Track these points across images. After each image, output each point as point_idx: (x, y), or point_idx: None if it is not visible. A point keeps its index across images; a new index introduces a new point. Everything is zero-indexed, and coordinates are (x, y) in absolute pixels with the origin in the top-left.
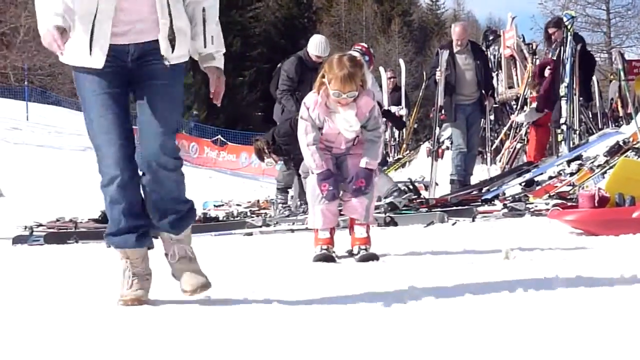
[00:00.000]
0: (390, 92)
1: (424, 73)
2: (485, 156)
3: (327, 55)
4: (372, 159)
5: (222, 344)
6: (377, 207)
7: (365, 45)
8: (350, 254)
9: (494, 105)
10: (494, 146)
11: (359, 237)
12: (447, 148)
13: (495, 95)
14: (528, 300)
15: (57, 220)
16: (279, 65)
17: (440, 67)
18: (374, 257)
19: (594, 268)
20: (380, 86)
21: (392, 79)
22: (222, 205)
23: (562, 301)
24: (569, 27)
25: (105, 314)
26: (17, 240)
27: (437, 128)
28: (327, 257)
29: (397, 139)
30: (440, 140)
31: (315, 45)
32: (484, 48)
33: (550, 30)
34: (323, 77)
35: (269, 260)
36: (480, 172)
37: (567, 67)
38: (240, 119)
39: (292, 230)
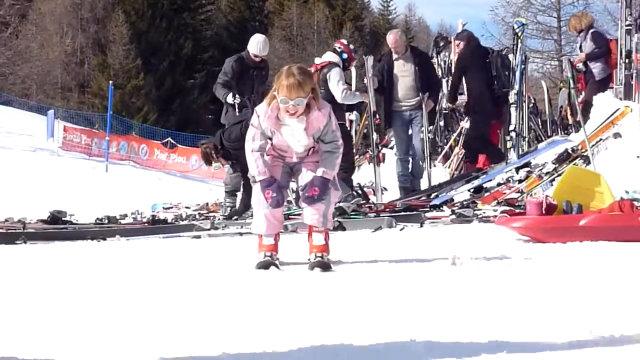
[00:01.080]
0: None
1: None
2: (425, 160)
3: (265, 54)
4: (330, 169)
5: (159, 350)
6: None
7: (345, 42)
8: (309, 261)
9: (444, 112)
10: (444, 152)
11: (316, 245)
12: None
13: (444, 100)
14: (473, 307)
15: (6, 221)
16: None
17: (367, 74)
18: (325, 266)
19: (540, 276)
20: None
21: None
22: (171, 207)
23: (506, 308)
24: (519, 34)
25: (52, 314)
26: None
27: (374, 133)
28: (269, 265)
29: None
30: (390, 145)
31: (255, 45)
32: (434, 54)
33: (456, 42)
34: (274, 90)
35: (216, 264)
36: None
37: (517, 74)
38: (190, 121)
39: (241, 234)
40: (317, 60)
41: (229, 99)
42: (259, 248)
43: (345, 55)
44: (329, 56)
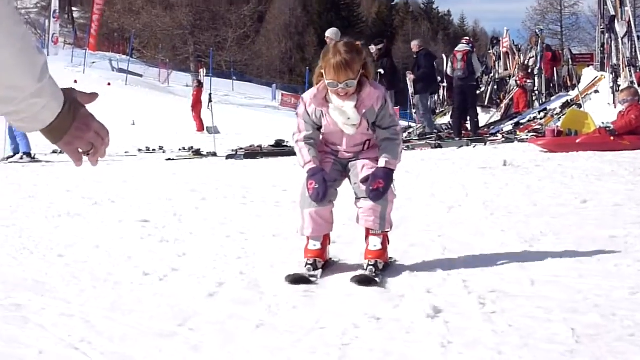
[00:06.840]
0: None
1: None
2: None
3: (330, 36)
4: (392, 158)
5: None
6: (430, 137)
7: (468, 38)
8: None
9: (496, 80)
10: (500, 104)
11: (372, 250)
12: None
13: (493, 74)
14: (516, 187)
15: (251, 146)
16: None
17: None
18: (371, 282)
19: (554, 169)
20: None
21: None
22: None
23: (533, 186)
24: (539, 35)
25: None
26: (229, 157)
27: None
28: (301, 280)
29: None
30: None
31: (328, 31)
32: (490, 48)
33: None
34: (321, 68)
35: None
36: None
37: (538, 60)
38: None
39: None
40: (459, 48)
41: None
42: (305, 252)
43: (470, 46)
44: (464, 47)
